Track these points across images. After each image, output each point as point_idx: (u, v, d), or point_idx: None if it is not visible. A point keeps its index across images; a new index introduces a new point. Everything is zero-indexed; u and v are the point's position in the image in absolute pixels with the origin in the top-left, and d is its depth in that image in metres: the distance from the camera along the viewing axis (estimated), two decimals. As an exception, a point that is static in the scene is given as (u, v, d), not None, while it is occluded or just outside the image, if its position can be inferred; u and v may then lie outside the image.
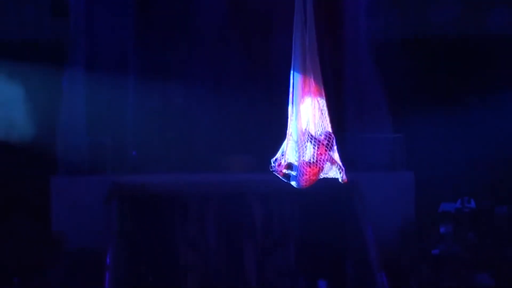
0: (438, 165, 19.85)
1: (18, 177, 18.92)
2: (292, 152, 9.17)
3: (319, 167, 9.11)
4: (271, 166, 9.27)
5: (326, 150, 9.13)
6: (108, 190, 18.84)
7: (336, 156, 9.19)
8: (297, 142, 9.14)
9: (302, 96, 9.28)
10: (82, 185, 19.26)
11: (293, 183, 9.19)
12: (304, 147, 9.10)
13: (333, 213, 18.91)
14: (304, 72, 9.23)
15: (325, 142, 9.13)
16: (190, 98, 20.71)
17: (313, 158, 9.09)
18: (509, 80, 19.60)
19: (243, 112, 20.53)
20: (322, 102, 9.22)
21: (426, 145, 19.89)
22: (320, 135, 9.14)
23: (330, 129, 9.18)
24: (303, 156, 9.06)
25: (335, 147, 9.15)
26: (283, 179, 9.24)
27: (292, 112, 9.21)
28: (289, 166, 9.16)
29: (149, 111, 20.20)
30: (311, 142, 9.12)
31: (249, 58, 20.84)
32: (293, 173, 9.16)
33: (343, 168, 9.17)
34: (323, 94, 9.20)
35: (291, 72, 9.23)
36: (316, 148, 9.10)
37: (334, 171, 9.19)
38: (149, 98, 20.41)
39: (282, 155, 9.21)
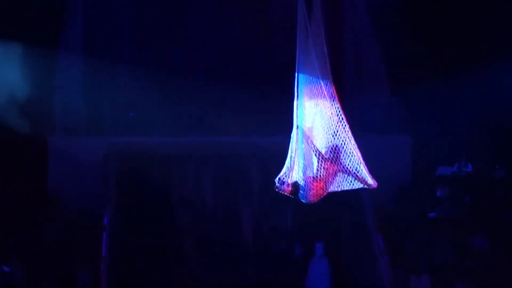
0: (435, 129, 19.70)
1: (15, 137, 18.70)
2: (297, 168, 9.00)
3: (325, 181, 8.96)
4: (276, 186, 9.16)
5: (331, 164, 8.93)
6: (105, 151, 18.74)
7: (352, 164, 8.98)
8: (303, 157, 8.96)
9: (309, 101, 9.07)
10: (79, 145, 19.11)
11: (302, 199, 9.03)
12: (310, 162, 8.96)
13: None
14: (311, 74, 8.99)
15: (330, 155, 8.92)
16: (187, 60, 20.48)
17: (319, 172, 8.93)
18: (508, 44, 19.37)
19: (242, 74, 20.31)
20: (337, 107, 9.02)
21: (423, 109, 19.72)
22: (326, 148, 8.94)
23: (349, 134, 8.97)
24: (309, 171, 8.93)
25: (343, 159, 8.94)
26: (290, 196, 9.10)
27: (297, 126, 8.98)
28: (295, 185, 9.03)
29: (145, 72, 19.96)
30: (315, 155, 8.95)
31: (248, 22, 20.55)
32: (300, 191, 9.01)
33: (369, 174, 9.02)
34: (336, 97, 8.93)
35: (295, 75, 8.95)
36: (320, 162, 8.92)
37: (351, 182, 9.07)
38: (145, 59, 20.15)
39: (286, 174, 9.02)
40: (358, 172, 9.06)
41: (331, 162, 8.94)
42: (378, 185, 9.11)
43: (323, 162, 8.94)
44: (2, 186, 17.77)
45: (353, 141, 9.00)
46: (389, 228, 17.58)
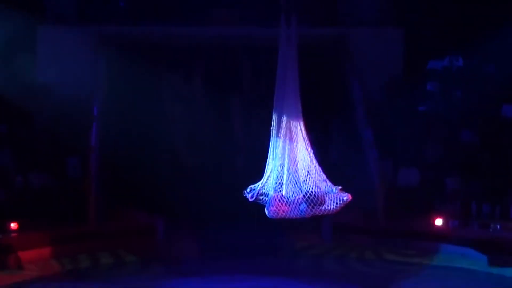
0: (428, 22, 19.15)
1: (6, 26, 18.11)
2: (271, 181, 9.50)
3: (289, 207, 9.35)
4: (245, 194, 9.75)
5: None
6: (96, 41, 18.21)
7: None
8: (277, 175, 9.46)
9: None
10: (69, 35, 18.56)
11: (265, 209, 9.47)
12: (281, 182, 9.40)
13: (321, 70, 18.40)
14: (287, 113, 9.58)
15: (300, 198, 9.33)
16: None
17: (286, 199, 9.37)
18: None
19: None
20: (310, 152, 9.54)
21: (416, 2, 19.12)
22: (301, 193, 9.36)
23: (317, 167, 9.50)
24: (280, 190, 9.38)
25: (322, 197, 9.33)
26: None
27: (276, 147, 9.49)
28: (263, 194, 9.62)
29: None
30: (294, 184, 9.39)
31: None
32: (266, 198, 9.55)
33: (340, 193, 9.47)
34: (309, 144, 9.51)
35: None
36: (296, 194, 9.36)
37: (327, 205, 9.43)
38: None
39: (262, 185, 9.62)
40: (332, 200, 9.54)
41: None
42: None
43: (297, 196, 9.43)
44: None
45: (321, 174, 9.52)
46: (379, 121, 17.26)
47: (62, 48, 18.37)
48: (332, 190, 9.52)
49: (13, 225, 14.53)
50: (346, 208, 15.93)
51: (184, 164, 18.16)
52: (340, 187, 9.51)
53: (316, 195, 9.45)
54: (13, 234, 14.39)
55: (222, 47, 18.52)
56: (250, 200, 9.84)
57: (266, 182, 9.74)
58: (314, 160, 9.59)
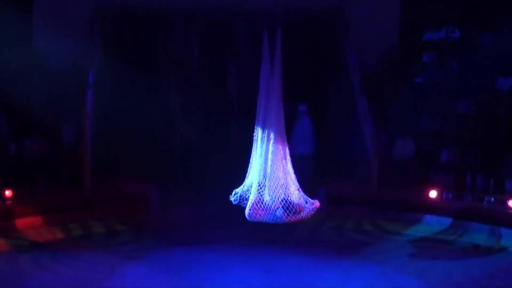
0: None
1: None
2: (253, 186, 10.00)
3: (264, 213, 9.88)
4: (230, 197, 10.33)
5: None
6: (92, 9, 17.95)
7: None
8: (259, 179, 9.91)
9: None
10: (65, 2, 18.29)
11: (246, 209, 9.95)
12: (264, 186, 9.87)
13: (317, 40, 18.23)
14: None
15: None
16: None
17: (264, 204, 9.86)
18: None
19: None
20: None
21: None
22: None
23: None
24: (261, 194, 9.85)
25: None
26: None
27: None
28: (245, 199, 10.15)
29: None
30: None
31: None
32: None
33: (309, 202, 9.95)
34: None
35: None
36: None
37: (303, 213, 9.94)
38: None
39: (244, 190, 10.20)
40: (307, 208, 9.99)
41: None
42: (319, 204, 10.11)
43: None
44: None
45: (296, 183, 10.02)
46: (375, 91, 17.11)
47: (57, 16, 18.09)
48: (305, 201, 9.91)
49: (8, 193, 14.47)
50: (341, 178, 16.05)
51: (179, 133, 18.00)
52: (312, 200, 9.85)
53: (293, 203, 9.80)
54: (8, 202, 14.32)
55: (218, 15, 18.27)
56: (233, 203, 10.31)
57: (248, 186, 10.13)
58: (291, 170, 9.93)
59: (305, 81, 17.90)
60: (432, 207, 14.87)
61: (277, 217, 9.81)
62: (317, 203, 9.90)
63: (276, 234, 13.47)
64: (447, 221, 14.49)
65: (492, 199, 14.46)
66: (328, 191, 15.81)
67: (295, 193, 9.89)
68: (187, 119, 18.21)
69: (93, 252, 12.80)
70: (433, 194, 15.07)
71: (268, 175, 9.84)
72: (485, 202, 14.53)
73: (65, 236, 13.91)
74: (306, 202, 9.94)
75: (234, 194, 10.32)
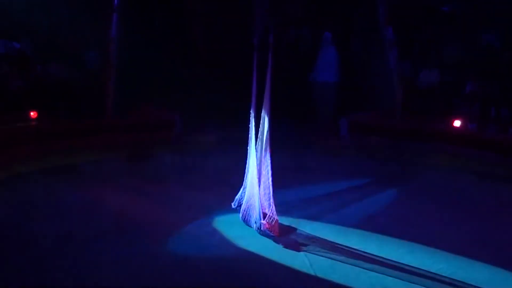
0: None
1: None
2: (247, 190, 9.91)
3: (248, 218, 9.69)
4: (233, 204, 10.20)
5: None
6: None
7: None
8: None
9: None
10: None
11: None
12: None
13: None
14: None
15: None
16: None
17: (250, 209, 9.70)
18: None
19: None
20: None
21: None
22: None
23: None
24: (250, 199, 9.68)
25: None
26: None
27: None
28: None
29: None
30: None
31: None
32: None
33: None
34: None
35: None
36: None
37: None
38: None
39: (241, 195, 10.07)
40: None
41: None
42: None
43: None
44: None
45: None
46: (400, 20, 16.62)
47: None
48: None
49: (33, 114, 14.25)
50: (364, 108, 15.72)
51: (202, 60, 17.64)
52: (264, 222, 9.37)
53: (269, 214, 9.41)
54: (33, 123, 14.09)
55: None
56: (233, 207, 10.19)
57: (244, 191, 9.98)
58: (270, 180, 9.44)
59: (330, 9, 17.43)
60: (456, 137, 14.54)
61: (253, 223, 9.53)
62: (265, 225, 9.38)
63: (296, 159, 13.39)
64: (470, 151, 14.19)
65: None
66: (350, 120, 15.52)
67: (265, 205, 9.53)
68: (210, 46, 17.84)
69: (117, 174, 12.67)
70: (457, 124, 14.72)
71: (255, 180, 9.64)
72: (509, 134, 14.21)
73: (87, 160, 13.63)
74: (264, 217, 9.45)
75: (236, 200, 10.24)
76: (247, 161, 9.93)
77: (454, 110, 15.08)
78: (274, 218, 9.34)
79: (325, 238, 9.39)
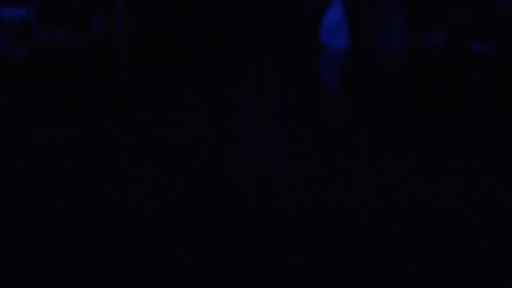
0: None
1: None
2: None
3: None
4: None
5: None
6: None
7: None
8: None
9: None
10: None
11: None
12: None
13: None
14: None
15: None
16: None
17: None
18: None
19: None
20: None
21: None
22: None
23: None
24: None
25: None
26: None
27: None
28: None
29: None
30: None
31: None
32: None
33: None
34: None
35: None
36: None
37: None
38: None
39: None
40: None
41: None
42: None
43: None
44: None
45: None
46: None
47: None
48: None
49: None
50: (369, 72, 15.47)
51: (210, 28, 17.46)
52: None
53: None
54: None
55: None
56: None
57: None
58: None
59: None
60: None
61: None
62: None
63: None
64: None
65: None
66: (356, 86, 15.26)
67: None
68: (218, 16, 17.63)
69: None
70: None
71: None
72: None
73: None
74: None
75: None
76: None
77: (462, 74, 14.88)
78: None
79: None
